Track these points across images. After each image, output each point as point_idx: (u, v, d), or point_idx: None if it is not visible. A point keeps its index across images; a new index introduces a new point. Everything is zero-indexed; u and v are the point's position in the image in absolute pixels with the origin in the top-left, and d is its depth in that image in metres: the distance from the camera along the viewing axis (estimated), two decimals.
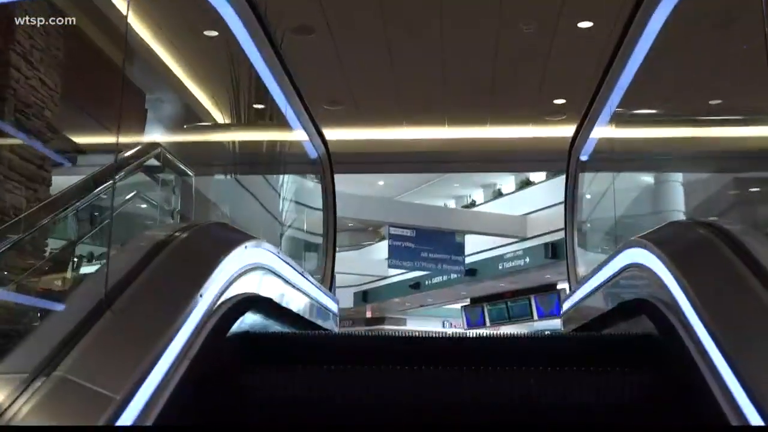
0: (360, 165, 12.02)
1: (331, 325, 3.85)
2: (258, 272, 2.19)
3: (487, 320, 24.20)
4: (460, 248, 19.26)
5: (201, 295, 1.62)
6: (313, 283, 3.35)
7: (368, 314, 28.67)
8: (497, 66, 8.75)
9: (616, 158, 4.62)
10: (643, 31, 2.99)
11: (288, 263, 2.65)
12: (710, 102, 8.64)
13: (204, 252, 1.83)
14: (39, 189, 6.18)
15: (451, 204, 25.47)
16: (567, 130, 10.41)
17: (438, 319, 30.61)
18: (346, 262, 24.71)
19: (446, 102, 9.89)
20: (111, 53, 7.43)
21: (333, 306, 4.06)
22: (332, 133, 10.65)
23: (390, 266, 19.35)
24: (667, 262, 1.85)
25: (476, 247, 20.16)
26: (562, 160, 11.89)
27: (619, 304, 2.42)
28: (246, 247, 2.00)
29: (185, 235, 1.80)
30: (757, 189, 10.15)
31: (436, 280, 22.36)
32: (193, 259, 1.78)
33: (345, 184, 17.21)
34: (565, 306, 4.09)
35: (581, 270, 4.40)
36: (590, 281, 2.99)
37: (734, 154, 9.41)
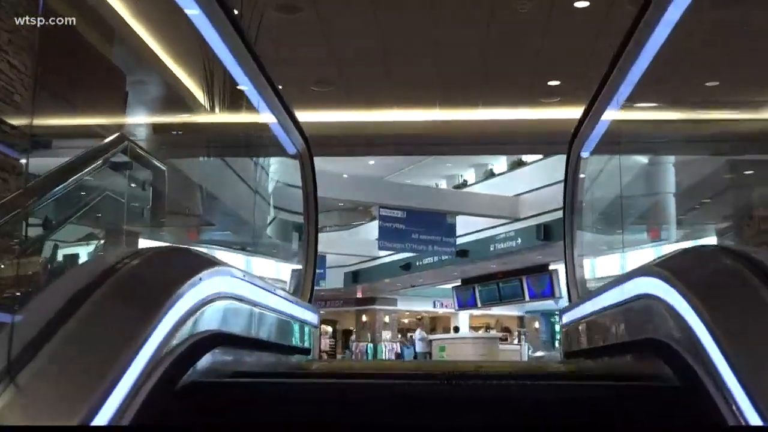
0: (350, 147, 11.76)
1: (309, 340, 3.58)
2: (219, 302, 1.91)
3: (478, 301, 24.12)
4: (451, 230, 19.04)
5: (139, 351, 1.35)
6: (287, 299, 3.07)
7: (358, 294, 28.52)
8: (490, 46, 8.46)
9: (624, 155, 4.32)
10: (660, 18, 2.67)
11: (256, 285, 2.37)
12: (706, 84, 8.41)
13: (144, 295, 1.55)
14: (9, 178, 5.87)
15: (443, 183, 25.23)
16: (562, 113, 10.19)
17: (429, 299, 30.55)
18: (336, 242, 24.53)
19: (438, 83, 9.60)
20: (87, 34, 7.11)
21: (312, 317, 3.79)
22: (321, 115, 10.40)
23: (380, 248, 19.14)
24: (690, 298, 1.59)
25: (468, 228, 19.95)
26: (557, 143, 11.64)
27: (627, 338, 2.16)
28: (201, 279, 1.72)
29: (122, 273, 1.52)
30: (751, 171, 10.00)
31: (427, 260, 22.18)
32: (130, 305, 1.49)
33: (335, 162, 16.97)
34: (565, 318, 3.82)
35: (581, 273, 4.12)
36: (595, 300, 2.72)
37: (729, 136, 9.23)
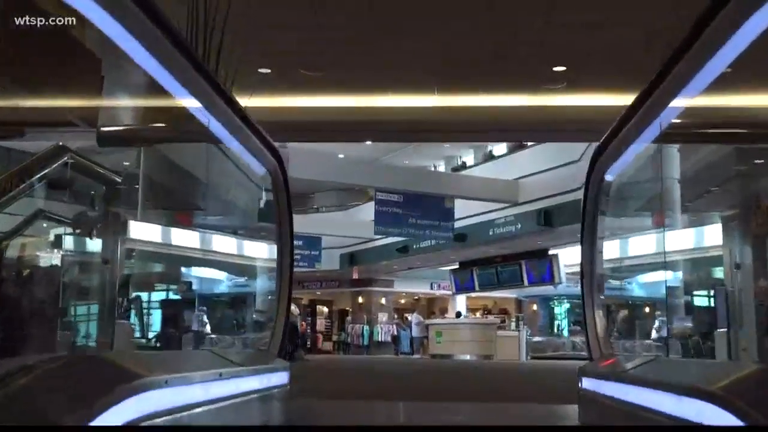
0: (344, 133, 11.31)
1: (271, 410, 3.05)
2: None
3: (476, 284, 23.73)
4: (448, 214, 18.59)
5: None
6: (241, 377, 2.55)
7: (354, 275, 28.14)
8: (492, 29, 7.92)
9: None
10: (735, 32, 2.09)
11: (195, 382, 1.85)
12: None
13: None
14: None
15: (441, 165, 24.76)
16: (567, 100, 9.66)
17: (426, 281, 30.19)
18: (333, 224, 24.10)
19: (436, 68, 9.06)
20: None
21: (279, 379, 3.25)
22: (312, 100, 9.87)
23: (376, 233, 18.71)
24: None
25: (466, 211, 19.49)
26: (560, 131, 11.13)
27: None
28: (87, 422, 1.20)
29: None
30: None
31: (425, 244, 21.77)
32: None
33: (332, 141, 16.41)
34: (586, 383, 3.25)
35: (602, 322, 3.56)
36: (631, 390, 2.21)
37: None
